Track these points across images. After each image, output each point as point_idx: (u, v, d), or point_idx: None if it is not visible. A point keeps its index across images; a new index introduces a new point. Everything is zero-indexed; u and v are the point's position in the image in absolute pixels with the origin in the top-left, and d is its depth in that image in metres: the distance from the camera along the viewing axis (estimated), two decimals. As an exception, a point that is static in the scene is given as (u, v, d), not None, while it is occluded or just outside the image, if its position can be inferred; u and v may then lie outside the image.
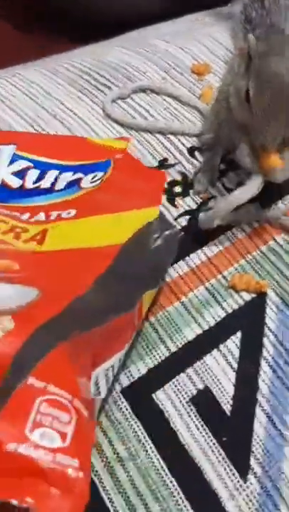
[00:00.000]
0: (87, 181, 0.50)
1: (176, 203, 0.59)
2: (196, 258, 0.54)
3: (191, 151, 0.64)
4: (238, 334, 0.49)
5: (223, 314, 0.50)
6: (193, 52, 0.76)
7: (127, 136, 0.63)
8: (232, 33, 0.80)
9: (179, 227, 0.56)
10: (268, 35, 0.56)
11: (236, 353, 0.48)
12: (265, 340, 0.49)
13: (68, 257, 0.42)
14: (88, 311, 0.38)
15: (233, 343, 0.48)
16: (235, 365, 0.47)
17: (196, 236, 0.56)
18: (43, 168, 0.52)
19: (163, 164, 0.62)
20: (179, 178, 0.61)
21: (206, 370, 0.47)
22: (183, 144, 0.64)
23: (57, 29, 0.96)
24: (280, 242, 0.56)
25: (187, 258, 0.54)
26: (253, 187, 0.53)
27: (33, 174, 0.51)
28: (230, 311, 0.51)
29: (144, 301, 0.45)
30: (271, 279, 0.53)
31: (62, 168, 0.52)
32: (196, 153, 0.63)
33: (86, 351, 0.37)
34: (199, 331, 0.49)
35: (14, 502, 0.28)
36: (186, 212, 0.58)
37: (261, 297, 0.52)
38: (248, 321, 0.50)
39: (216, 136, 0.62)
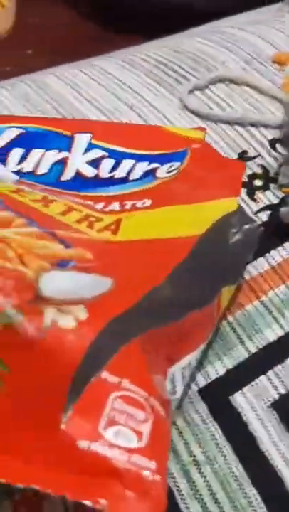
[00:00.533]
0: (163, 171, 0.48)
1: (255, 197, 0.56)
2: (277, 255, 0.51)
3: (273, 143, 0.61)
4: None
5: (306, 315, 0.47)
6: (275, 41, 0.73)
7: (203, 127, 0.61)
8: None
9: (258, 223, 0.54)
10: None
11: None
12: None
13: (143, 248, 0.40)
14: (164, 303, 0.36)
15: None
16: None
17: (276, 232, 0.53)
18: (119, 158, 0.50)
19: (242, 157, 0.59)
20: (259, 171, 0.58)
21: (287, 373, 0.44)
22: (264, 136, 0.61)
23: (130, 28, 0.95)
24: None
25: (267, 255, 0.51)
26: None
27: (108, 163, 0.50)
28: (314, 311, 0.48)
29: (223, 297, 0.42)
30: None
31: (138, 158, 0.51)
32: (278, 146, 0.60)
33: (162, 347, 0.35)
34: (281, 333, 0.46)
35: (87, 503, 0.26)
36: (266, 207, 0.55)
37: None
38: None
39: None
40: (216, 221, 0.44)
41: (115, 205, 0.45)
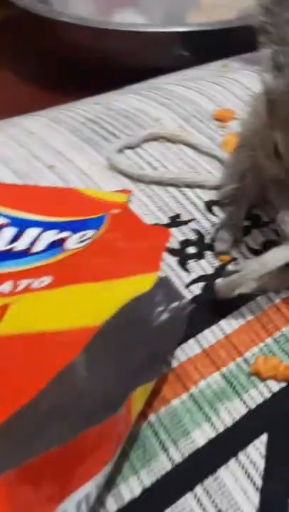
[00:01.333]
0: (73, 241, 0.41)
1: (188, 266, 0.49)
2: (211, 336, 0.44)
3: (209, 205, 0.54)
4: (264, 438, 0.38)
5: (244, 410, 0.39)
6: (216, 97, 0.68)
7: (132, 189, 0.54)
8: (262, 80, 0.72)
9: (190, 297, 0.46)
10: None
11: (260, 464, 0.37)
12: (298, 445, 0.37)
13: (26, 344, 0.32)
14: (46, 421, 0.28)
15: (256, 451, 0.37)
16: (259, 482, 0.36)
17: (211, 308, 0.46)
18: (22, 226, 0.43)
19: (175, 221, 0.52)
20: (193, 237, 0.51)
21: (219, 488, 0.35)
22: (199, 198, 0.55)
23: (68, 83, 0.91)
24: (316, 315, 0.45)
25: (199, 336, 0.44)
26: None
27: (8, 233, 0.42)
28: (253, 405, 0.40)
29: (136, 399, 0.34)
30: (305, 359, 0.42)
31: (46, 226, 0.43)
32: (215, 208, 0.54)
33: (44, 482, 0.27)
34: (212, 434, 0.38)
35: None
36: (200, 278, 0.48)
37: (293, 387, 0.41)
38: (277, 419, 0.39)
39: (239, 187, 0.53)
40: (127, 304, 0.36)
41: (6, 286, 0.37)
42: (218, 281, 0.46)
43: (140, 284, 0.37)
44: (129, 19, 1.06)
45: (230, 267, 0.48)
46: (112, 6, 1.10)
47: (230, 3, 1.09)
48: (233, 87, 0.69)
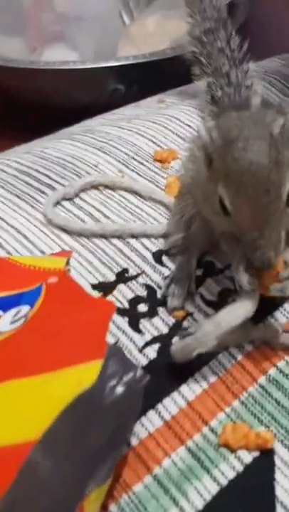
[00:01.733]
0: (6, 322, 0.37)
1: (140, 326, 0.45)
2: (172, 405, 0.41)
3: (158, 256, 0.51)
4: (239, 519, 0.34)
5: (215, 489, 0.36)
6: (155, 137, 0.65)
7: (73, 245, 0.51)
8: (200, 115, 0.70)
9: (145, 362, 0.43)
10: (230, 119, 0.42)
11: None
12: (279, 525, 0.34)
13: None
14: None
15: (232, 536, 0.34)
16: None
17: (170, 372, 0.42)
18: None
19: (122, 277, 0.49)
20: (143, 293, 0.48)
21: None
22: (147, 249, 0.52)
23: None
24: (284, 369, 0.42)
25: (159, 406, 0.40)
26: (248, 304, 0.41)
27: None
28: (224, 482, 0.36)
29: (90, 504, 0.30)
30: (277, 425, 0.39)
31: None
32: (164, 259, 0.51)
33: None
34: (182, 521, 0.35)
35: None
36: (155, 340, 0.45)
37: (266, 455, 0.38)
38: (252, 495, 0.36)
39: (186, 235, 0.50)
40: (70, 404, 0.32)
41: None
42: (174, 345, 0.42)
43: (83, 375, 0.33)
44: (59, 55, 1.04)
45: (185, 326, 0.44)
46: (41, 43, 1.08)
47: (161, 33, 1.09)
48: (172, 124, 0.67)
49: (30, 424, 0.30)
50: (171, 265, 0.50)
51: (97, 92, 0.93)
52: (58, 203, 0.56)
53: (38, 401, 0.31)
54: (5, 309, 0.38)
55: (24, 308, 0.38)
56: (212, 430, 0.39)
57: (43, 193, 0.57)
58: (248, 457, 0.38)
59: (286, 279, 0.41)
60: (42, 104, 0.92)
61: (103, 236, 0.53)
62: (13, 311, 0.38)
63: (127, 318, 0.46)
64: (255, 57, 0.84)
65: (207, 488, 0.36)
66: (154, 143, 0.65)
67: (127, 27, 1.15)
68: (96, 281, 0.49)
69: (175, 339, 0.44)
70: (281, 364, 0.43)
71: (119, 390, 0.36)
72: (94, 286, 0.48)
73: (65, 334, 0.35)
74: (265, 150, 0.38)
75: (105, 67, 0.92)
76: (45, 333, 0.36)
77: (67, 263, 0.43)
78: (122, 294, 0.48)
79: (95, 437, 0.33)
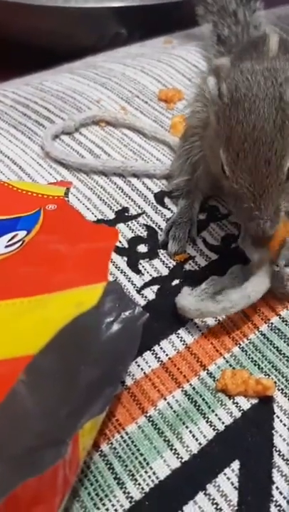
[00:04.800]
0: (1, 245, 0.36)
1: (140, 267, 0.44)
2: (170, 347, 0.40)
3: (160, 197, 0.50)
4: (235, 465, 0.34)
5: (211, 434, 0.36)
6: (161, 76, 0.63)
7: (71, 180, 0.50)
8: (205, 56, 0.68)
9: (143, 303, 0.42)
10: (241, 71, 0.39)
11: (234, 497, 0.33)
12: (275, 473, 0.34)
13: None
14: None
15: (227, 481, 0.33)
16: (233, 518, 0.32)
17: (167, 314, 0.41)
18: None
19: (122, 216, 0.48)
20: (144, 233, 0.47)
21: (188, 530, 0.31)
22: (149, 189, 0.50)
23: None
24: (287, 318, 0.42)
25: (156, 348, 0.40)
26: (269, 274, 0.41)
27: None
28: (221, 428, 0.36)
29: (85, 435, 0.29)
30: (277, 373, 0.38)
31: None
32: (166, 200, 0.50)
33: None
34: (176, 464, 0.34)
35: None
36: (154, 281, 0.44)
37: (265, 403, 0.37)
38: (249, 443, 0.35)
39: (191, 178, 0.49)
40: (70, 323, 0.31)
41: None
42: (189, 303, 0.40)
43: (83, 297, 0.32)
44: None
45: (204, 285, 0.42)
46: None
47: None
48: (178, 64, 0.65)
49: (29, 340, 0.29)
50: (174, 207, 0.49)
51: (98, 35, 0.90)
52: (56, 136, 0.54)
53: (37, 319, 0.30)
54: (0, 234, 0.36)
55: (21, 233, 0.37)
56: (210, 375, 0.38)
57: (41, 125, 0.55)
58: (246, 404, 0.37)
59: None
60: (40, 45, 0.89)
61: (103, 173, 0.51)
62: (8, 236, 0.36)
63: (126, 258, 0.45)
64: (270, 4, 0.82)
65: (203, 433, 0.35)
66: (158, 82, 0.63)
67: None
68: (94, 219, 0.47)
69: (186, 297, 0.42)
70: (284, 313, 0.42)
71: (116, 326, 0.35)
72: (92, 224, 0.47)
73: (66, 259, 0.34)
74: (271, 115, 0.36)
75: (108, 7, 0.89)
76: (44, 257, 0.35)
77: (66, 195, 0.41)
78: (121, 233, 0.47)
79: (89, 371, 0.32)
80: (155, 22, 0.87)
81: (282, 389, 0.38)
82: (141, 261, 0.45)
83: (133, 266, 0.44)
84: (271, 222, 0.37)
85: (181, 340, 0.40)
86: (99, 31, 0.91)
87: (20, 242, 0.36)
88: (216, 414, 0.36)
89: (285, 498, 0.33)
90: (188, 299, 0.41)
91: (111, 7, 0.89)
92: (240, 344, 0.40)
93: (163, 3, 0.89)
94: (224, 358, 0.39)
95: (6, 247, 0.35)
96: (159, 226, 0.47)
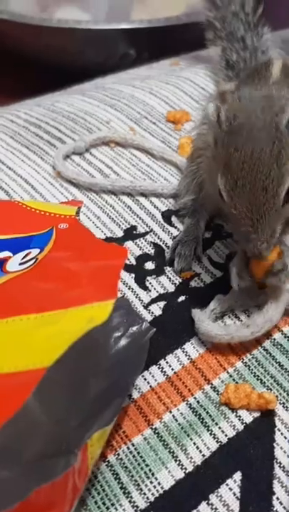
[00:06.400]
0: (15, 262, 0.38)
1: (147, 284, 0.46)
2: (175, 362, 0.41)
3: (167, 216, 0.51)
4: (237, 476, 0.35)
5: (214, 446, 0.37)
6: (169, 97, 0.65)
7: (82, 199, 0.51)
8: (214, 79, 0.70)
9: (150, 318, 0.43)
10: (240, 100, 0.41)
11: (235, 506, 0.34)
12: (275, 484, 0.35)
13: None
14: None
15: (229, 491, 0.35)
16: (235, 528, 0.33)
17: (173, 330, 0.43)
18: None
19: (130, 234, 0.49)
20: (151, 251, 0.48)
21: (191, 538, 0.32)
22: (156, 208, 0.52)
23: (8, 82, 0.86)
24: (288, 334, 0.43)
25: (162, 362, 0.41)
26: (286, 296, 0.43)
27: None
28: (224, 440, 0.37)
29: (94, 444, 0.31)
30: (279, 388, 0.40)
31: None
32: (174, 219, 0.51)
33: None
34: (180, 475, 0.35)
35: None
36: (160, 297, 0.45)
37: (267, 416, 0.38)
38: (251, 455, 0.36)
39: (197, 197, 0.50)
40: (80, 339, 0.32)
41: None
42: (209, 325, 0.41)
43: (94, 313, 0.33)
44: (71, 15, 1.03)
45: (211, 306, 0.43)
46: (53, 2, 1.07)
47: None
48: (185, 86, 0.67)
49: (43, 353, 0.30)
50: (180, 226, 0.50)
51: (106, 55, 0.92)
52: (67, 156, 0.56)
53: (50, 333, 0.32)
54: (15, 251, 0.38)
55: (34, 251, 0.38)
56: (214, 389, 0.39)
57: (53, 145, 0.57)
58: (248, 417, 0.38)
59: (280, 271, 0.41)
60: (51, 64, 0.92)
61: (112, 192, 0.53)
62: (22, 253, 0.38)
63: (133, 275, 0.46)
64: (279, 27, 0.84)
65: (207, 444, 0.37)
66: (166, 103, 0.64)
67: (142, -8, 1.14)
68: (104, 237, 0.49)
69: (197, 313, 0.42)
70: (287, 329, 0.43)
71: (124, 340, 0.37)
72: (101, 242, 0.48)
73: (76, 277, 0.36)
74: (268, 144, 0.37)
75: (117, 29, 0.92)
76: (57, 274, 0.36)
77: (77, 213, 0.43)
78: (129, 251, 0.48)
79: (98, 384, 0.33)
80: (163, 43, 0.89)
81: (283, 403, 0.39)
82: (148, 278, 0.46)
83: (140, 282, 0.46)
84: (267, 244, 0.39)
85: (186, 355, 0.41)
86: (108, 52, 0.93)
87: (34, 260, 0.37)
88: (220, 427, 0.38)
89: (285, 508, 0.34)
90: (210, 324, 0.42)
91: (120, 29, 0.91)
92: (243, 359, 0.41)
93: (170, 25, 0.91)
94: (228, 372, 0.40)
95: (20, 264, 0.37)
96: (166, 244, 0.49)
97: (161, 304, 0.45)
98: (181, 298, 0.45)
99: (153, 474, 0.35)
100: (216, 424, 0.38)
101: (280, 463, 0.36)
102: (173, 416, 0.38)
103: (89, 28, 0.92)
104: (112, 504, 0.34)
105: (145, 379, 0.40)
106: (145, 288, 0.46)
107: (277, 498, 0.34)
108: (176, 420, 0.38)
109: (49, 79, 0.73)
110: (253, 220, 0.38)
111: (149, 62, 0.80)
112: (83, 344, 0.32)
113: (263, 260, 0.40)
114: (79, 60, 0.93)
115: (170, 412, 0.38)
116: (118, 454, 0.36)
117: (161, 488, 0.35)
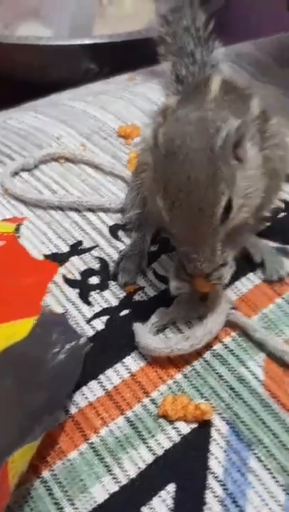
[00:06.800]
0: None
1: (90, 299, 0.46)
2: (115, 376, 0.41)
3: (114, 230, 0.52)
4: (171, 488, 0.36)
5: (150, 458, 0.37)
6: (121, 112, 0.66)
7: (29, 216, 0.52)
8: (166, 94, 0.70)
9: (92, 333, 0.44)
10: (176, 123, 0.41)
11: (168, 518, 0.34)
12: (208, 494, 0.35)
13: None
14: None
15: (162, 503, 0.35)
16: (167, 540, 0.33)
17: (115, 344, 0.43)
18: None
19: (76, 249, 0.50)
20: (96, 266, 0.49)
21: None
22: (103, 222, 0.53)
23: None
24: (229, 345, 0.43)
25: (102, 377, 0.41)
26: (227, 306, 0.44)
27: None
28: (160, 452, 0.37)
29: (16, 462, 0.31)
30: (217, 398, 0.40)
31: None
32: (121, 233, 0.52)
33: None
34: (114, 488, 0.36)
35: None
36: (103, 312, 0.45)
37: (204, 427, 0.39)
38: (186, 466, 0.37)
39: (142, 211, 0.51)
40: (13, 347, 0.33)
41: None
42: (149, 339, 0.42)
43: (16, 330, 0.34)
44: (34, 32, 1.04)
45: (153, 319, 0.44)
46: (15, 18, 1.08)
47: (137, 14, 1.09)
48: (138, 101, 0.68)
49: None
50: (127, 240, 0.51)
51: (69, 71, 0.93)
52: (16, 173, 0.56)
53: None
54: None
55: None
56: (153, 401, 0.40)
57: (1, 162, 0.58)
58: (186, 428, 0.39)
59: (217, 279, 0.42)
60: (21, 79, 0.92)
61: (60, 208, 0.53)
62: None
63: (77, 290, 0.47)
64: (234, 41, 0.85)
65: (142, 457, 0.37)
66: (118, 118, 0.65)
67: (104, 7, 1.15)
68: (49, 252, 0.49)
69: (138, 327, 0.43)
70: (227, 340, 0.44)
71: (61, 356, 0.37)
72: (46, 257, 0.49)
73: (5, 293, 0.36)
74: (203, 166, 0.38)
75: (79, 44, 0.93)
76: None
77: (17, 230, 0.43)
78: (74, 266, 0.49)
79: (30, 400, 0.34)
80: (124, 57, 0.90)
81: (220, 413, 0.39)
82: (92, 292, 0.47)
83: (84, 297, 0.46)
84: (208, 263, 0.39)
85: (126, 369, 0.42)
86: (71, 67, 0.94)
87: None
88: (156, 439, 0.38)
89: (217, 518, 0.34)
90: (151, 338, 0.42)
91: (80, 44, 0.93)
92: (183, 371, 0.42)
93: (131, 39, 0.92)
94: (167, 384, 0.41)
95: None
96: (112, 258, 0.49)
97: (104, 318, 0.45)
98: (124, 312, 0.45)
99: (87, 489, 0.35)
100: (153, 436, 0.38)
101: (214, 473, 0.36)
102: (110, 430, 0.38)
103: (50, 44, 0.93)
104: (45, 520, 0.34)
105: (84, 394, 0.40)
106: (88, 303, 0.46)
107: (210, 509, 0.35)
108: (113, 434, 0.38)
109: (10, 95, 0.74)
110: (191, 241, 0.39)
111: (110, 76, 0.81)
112: (20, 352, 0.32)
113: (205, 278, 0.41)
114: (46, 76, 0.94)
115: (107, 426, 0.39)
116: (53, 470, 0.36)
117: (95, 502, 0.35)
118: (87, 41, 0.93)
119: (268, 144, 0.46)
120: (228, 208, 0.39)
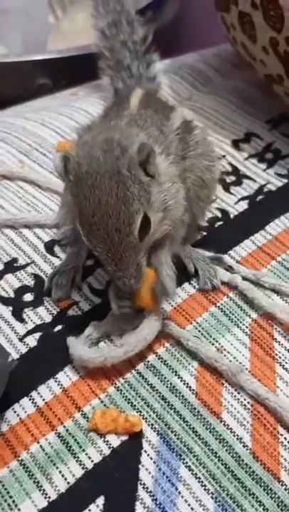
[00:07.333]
0: None
1: (24, 316, 0.47)
2: (47, 392, 0.42)
3: (50, 246, 0.52)
4: (100, 501, 0.36)
5: (79, 472, 0.38)
6: (61, 128, 0.67)
7: None
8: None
9: (25, 350, 0.44)
10: (83, 147, 0.41)
11: (96, 531, 0.35)
12: (138, 505, 0.36)
13: None
14: None
15: (92, 517, 0.35)
16: None
17: (48, 360, 0.43)
18: None
19: (10, 266, 0.50)
20: (31, 282, 0.49)
21: None
22: (39, 238, 0.53)
23: None
24: (163, 355, 0.44)
25: (34, 393, 0.42)
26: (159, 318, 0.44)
27: None
28: (90, 466, 0.38)
29: None
30: (149, 409, 0.41)
31: None
32: (57, 249, 0.52)
33: None
34: (43, 504, 0.36)
35: None
36: (36, 328, 0.46)
37: (134, 439, 0.39)
38: (116, 478, 0.37)
39: (75, 227, 0.51)
40: None
41: None
42: (82, 350, 0.42)
43: None
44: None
45: (86, 333, 0.44)
46: None
47: (91, 28, 1.10)
48: (78, 116, 0.68)
49: None
50: (63, 256, 0.51)
51: (23, 86, 0.94)
52: None
53: None
54: None
55: None
56: (84, 415, 0.40)
57: None
58: (116, 441, 0.39)
59: (161, 291, 0.43)
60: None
61: (-5, 226, 0.54)
62: None
63: (11, 308, 0.47)
64: (185, 52, 0.87)
65: (72, 472, 0.37)
66: (58, 134, 0.66)
67: (58, 22, 1.16)
68: (-17, 271, 0.50)
69: (71, 340, 0.43)
70: (161, 351, 0.44)
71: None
72: (-20, 276, 0.49)
73: None
74: (113, 188, 0.39)
75: (31, 60, 0.93)
76: None
77: None
78: (8, 284, 0.49)
79: None
80: (78, 71, 0.91)
81: (152, 424, 0.40)
82: (25, 309, 0.47)
83: (17, 315, 0.47)
84: (135, 279, 0.40)
85: (58, 384, 0.42)
86: (23, 83, 0.94)
87: None
88: (86, 453, 0.38)
89: (145, 529, 0.35)
90: (84, 349, 0.42)
91: (32, 60, 0.93)
92: (116, 384, 0.42)
93: (81, 54, 0.93)
94: (99, 398, 0.41)
95: None
96: (47, 274, 0.50)
97: (37, 335, 0.45)
98: (58, 327, 0.46)
99: (16, 505, 0.36)
100: (83, 450, 0.38)
101: (144, 484, 0.37)
102: (40, 446, 0.39)
103: (3, 61, 0.93)
104: None
105: (15, 411, 0.40)
106: (22, 320, 0.46)
107: (139, 520, 0.35)
108: (44, 450, 0.38)
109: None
110: (114, 260, 0.40)
111: (66, 89, 0.81)
112: None
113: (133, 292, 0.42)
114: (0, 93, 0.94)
115: (38, 442, 0.39)
116: (-19, 489, 0.36)
117: (24, 519, 0.35)
118: (38, 57, 0.94)
119: (191, 153, 0.47)
120: (146, 224, 0.40)
